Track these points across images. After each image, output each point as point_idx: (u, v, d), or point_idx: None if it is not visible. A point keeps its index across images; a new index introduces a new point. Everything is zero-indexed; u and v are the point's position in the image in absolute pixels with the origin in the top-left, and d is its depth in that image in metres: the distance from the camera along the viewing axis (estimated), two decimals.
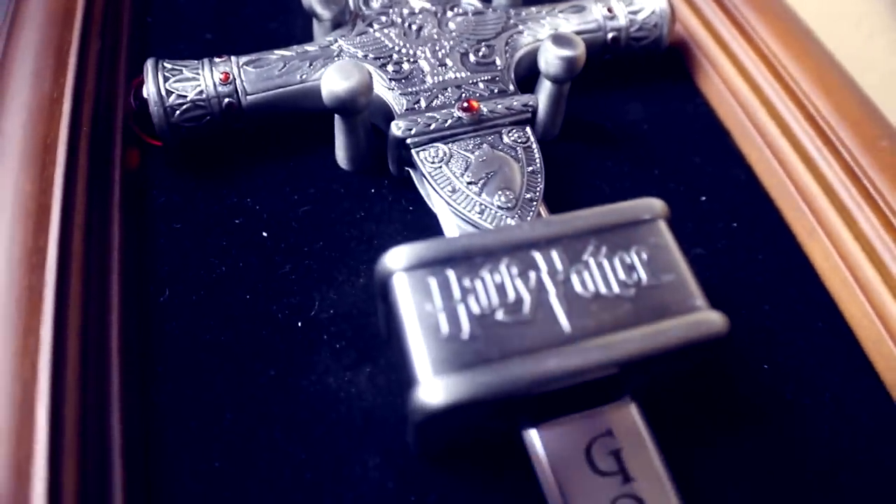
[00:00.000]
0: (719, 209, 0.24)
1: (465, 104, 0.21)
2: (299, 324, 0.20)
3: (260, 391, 0.19)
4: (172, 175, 0.23)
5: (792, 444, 0.20)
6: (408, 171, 0.22)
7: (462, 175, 0.20)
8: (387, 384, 0.19)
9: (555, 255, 0.17)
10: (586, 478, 0.17)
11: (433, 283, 0.17)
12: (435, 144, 0.21)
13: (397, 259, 0.17)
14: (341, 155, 0.23)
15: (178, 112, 0.21)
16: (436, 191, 0.20)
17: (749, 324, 0.22)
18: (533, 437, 0.17)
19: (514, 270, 0.17)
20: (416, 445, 0.18)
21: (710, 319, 0.17)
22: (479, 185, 0.20)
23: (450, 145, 0.21)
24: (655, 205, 0.19)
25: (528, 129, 0.22)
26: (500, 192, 0.20)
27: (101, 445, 0.17)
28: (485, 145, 0.21)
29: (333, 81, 0.20)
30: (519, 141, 0.21)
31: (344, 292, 0.21)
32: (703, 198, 0.24)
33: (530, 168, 0.21)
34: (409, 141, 0.21)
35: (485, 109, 0.21)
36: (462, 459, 0.18)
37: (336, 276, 0.21)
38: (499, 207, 0.20)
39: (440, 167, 0.21)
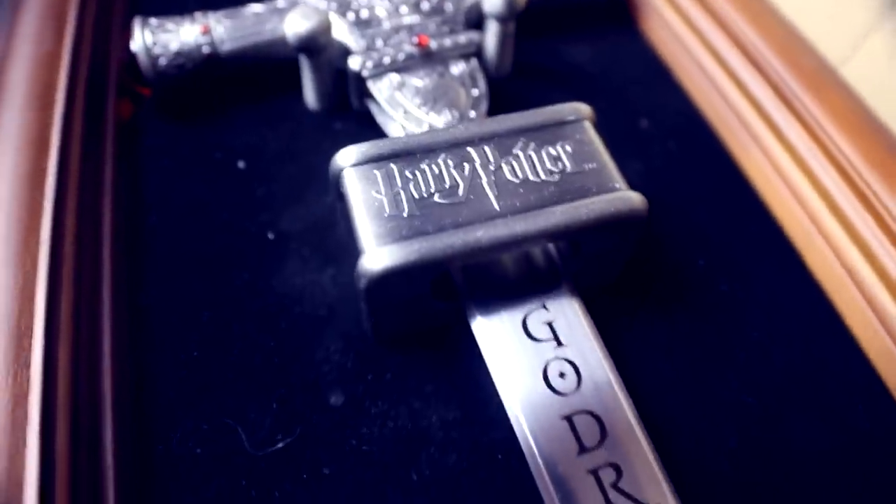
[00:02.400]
0: (659, 132, 0.26)
1: (416, 40, 0.23)
2: (270, 236, 0.22)
3: (234, 292, 0.21)
4: (161, 121, 0.25)
5: (725, 327, 0.22)
6: (368, 105, 0.24)
7: (413, 99, 0.23)
8: (348, 283, 0.21)
9: (487, 149, 0.19)
10: (523, 345, 0.19)
11: (378, 174, 0.19)
12: (388, 74, 0.23)
13: (347, 157, 0.19)
14: (310, 96, 0.25)
15: (162, 61, 0.24)
16: (389, 115, 0.23)
17: (686, 227, 0.24)
18: (478, 320, 0.19)
19: (451, 162, 0.19)
20: (372, 328, 0.20)
21: (628, 197, 0.19)
22: (428, 106, 0.22)
23: (402, 76, 0.23)
24: (581, 108, 0.21)
25: (473, 60, 0.24)
26: (446, 111, 0.22)
27: (92, 338, 0.20)
28: (434, 74, 0.23)
29: (296, 23, 0.23)
30: (466, 71, 0.24)
31: (312, 209, 0.23)
32: (644, 123, 0.26)
33: (475, 92, 0.23)
34: (364, 73, 0.23)
35: (434, 44, 0.24)
36: (416, 344, 0.20)
37: (305, 196, 0.23)
38: (445, 124, 0.22)
39: (393, 94, 0.23)
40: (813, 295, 0.23)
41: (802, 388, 0.21)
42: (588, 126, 0.20)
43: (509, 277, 0.20)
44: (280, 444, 0.18)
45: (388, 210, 0.18)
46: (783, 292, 0.22)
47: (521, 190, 0.19)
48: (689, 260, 0.23)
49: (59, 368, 0.18)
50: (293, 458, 0.18)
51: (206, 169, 0.24)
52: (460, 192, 0.18)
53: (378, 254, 0.17)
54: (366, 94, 0.24)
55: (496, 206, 0.18)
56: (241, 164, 0.24)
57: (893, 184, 0.23)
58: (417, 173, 0.19)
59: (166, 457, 0.18)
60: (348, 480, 0.18)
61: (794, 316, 0.22)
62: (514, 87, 0.26)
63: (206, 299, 0.21)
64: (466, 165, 0.19)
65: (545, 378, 0.18)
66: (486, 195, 0.18)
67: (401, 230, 0.18)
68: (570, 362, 0.18)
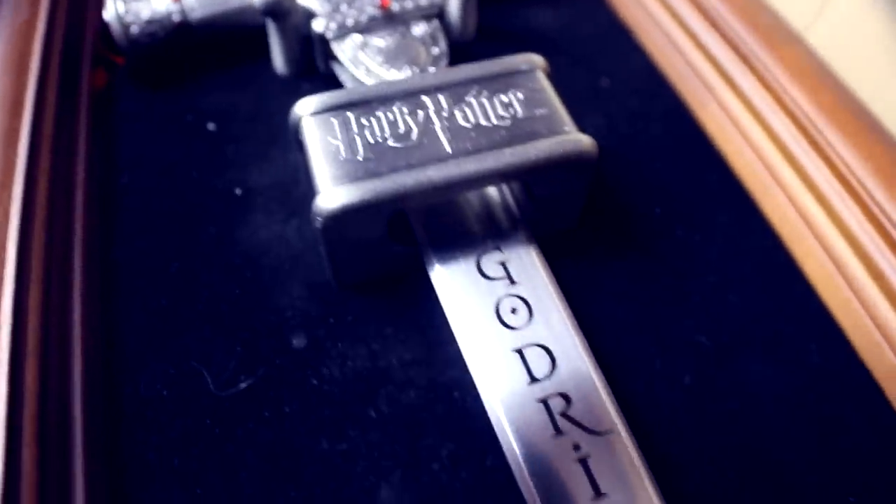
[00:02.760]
0: (620, 90, 0.26)
1: (379, 2, 0.24)
2: (238, 192, 0.23)
3: (201, 245, 0.22)
4: (134, 87, 0.26)
5: (681, 271, 0.22)
6: (333, 67, 0.25)
7: (375, 58, 0.23)
8: (312, 235, 0.22)
9: (441, 98, 0.20)
10: (476, 284, 0.19)
11: (335, 121, 0.19)
12: (351, 35, 0.24)
13: (306, 106, 0.20)
14: (277, 60, 0.26)
15: (135, 29, 0.25)
16: (353, 74, 0.23)
17: (644, 179, 0.24)
18: (435, 264, 0.20)
19: (405, 110, 0.20)
20: (333, 273, 0.20)
21: (577, 139, 0.19)
22: (390, 64, 0.23)
23: (365, 36, 0.24)
24: (534, 58, 0.21)
25: (435, 21, 0.25)
26: (406, 67, 0.23)
27: (63, 288, 0.20)
28: (396, 34, 0.24)
29: None
30: (427, 32, 0.24)
31: (278, 166, 0.23)
32: (605, 82, 0.27)
33: (436, 51, 0.24)
34: (328, 35, 0.24)
35: (396, 6, 0.24)
36: (376, 290, 0.21)
37: (271, 154, 0.24)
38: None
39: (356, 54, 0.24)
40: (769, 241, 0.23)
41: (757, 329, 0.21)
42: (540, 75, 0.21)
43: (466, 224, 0.20)
44: (243, 385, 0.19)
45: (343, 154, 0.19)
46: (740, 239, 0.23)
47: (473, 134, 0.19)
48: (647, 209, 0.23)
49: (28, 315, 0.19)
50: (256, 397, 0.19)
51: (178, 132, 0.24)
52: (413, 136, 0.19)
53: (333, 193, 0.18)
54: (330, 55, 0.24)
55: (448, 149, 0.19)
56: (211, 127, 0.24)
57: (846, 134, 0.23)
58: (373, 120, 0.19)
59: (133, 399, 0.19)
60: (308, 418, 0.19)
61: (750, 261, 0.23)
62: (477, 49, 0.27)
63: (175, 252, 0.22)
64: (420, 112, 0.20)
65: (497, 314, 0.19)
66: (439, 139, 0.19)
67: (356, 172, 0.18)
68: (522, 299, 0.19)
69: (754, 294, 0.22)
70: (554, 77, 0.22)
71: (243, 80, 0.26)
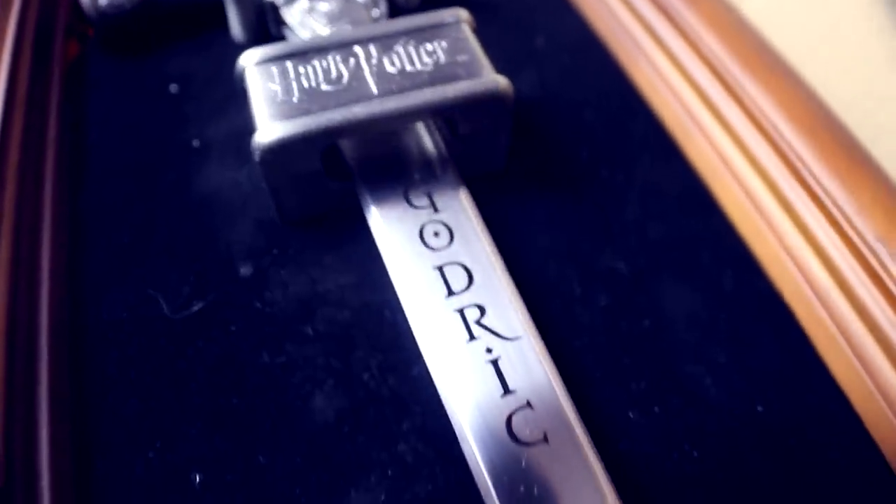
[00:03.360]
0: (553, 49, 0.28)
1: None
2: (196, 143, 0.25)
3: (161, 191, 0.24)
4: (103, 56, 0.28)
5: (603, 207, 0.24)
6: (283, 32, 0.27)
7: (320, 20, 0.25)
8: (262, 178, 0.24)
9: (372, 47, 0.22)
10: (404, 211, 0.21)
11: (275, 70, 0.21)
12: (298, 1, 0.26)
13: (250, 58, 0.22)
14: (235, 28, 0.28)
15: (103, 1, 0.27)
16: (300, 36, 0.25)
17: (573, 127, 0.26)
18: (367, 198, 0.22)
19: (339, 59, 0.22)
20: (276, 208, 0.22)
21: (494, 79, 0.21)
22: (333, 25, 0.25)
23: (311, 2, 0.26)
24: (460, 12, 0.23)
25: None
26: (348, 27, 0.25)
27: (32, 228, 0.22)
28: (342, 0, 0.26)
29: None
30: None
31: (233, 121, 0.25)
32: (540, 41, 0.28)
33: (376, 13, 0.26)
34: (278, 2, 0.26)
35: None
36: (317, 224, 0.23)
37: (228, 111, 0.26)
38: None
39: (304, 18, 0.26)
40: (689, 180, 0.25)
41: (674, 257, 0.23)
42: (465, 27, 0.23)
43: (398, 164, 0.22)
44: (195, 308, 0.21)
45: (280, 97, 0.21)
46: (661, 178, 0.25)
47: (399, 78, 0.21)
48: (573, 153, 0.25)
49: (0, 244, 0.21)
50: (205, 319, 0.21)
51: (143, 94, 0.27)
52: (344, 80, 0.21)
53: (269, 128, 0.20)
54: (281, 21, 0.26)
55: (375, 90, 0.21)
56: (173, 88, 0.27)
57: (760, 78, 0.25)
58: (308, 68, 0.21)
59: (96, 322, 0.21)
60: (252, 336, 0.21)
61: (670, 198, 0.24)
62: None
63: (137, 198, 0.24)
64: (352, 60, 0.22)
65: (420, 237, 0.20)
66: (367, 82, 0.21)
67: (290, 111, 0.20)
68: (445, 224, 0.21)
69: (673, 226, 0.23)
70: (491, 38, 0.23)
71: (203, 47, 0.28)
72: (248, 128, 0.25)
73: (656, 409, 0.20)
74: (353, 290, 0.21)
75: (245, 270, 0.22)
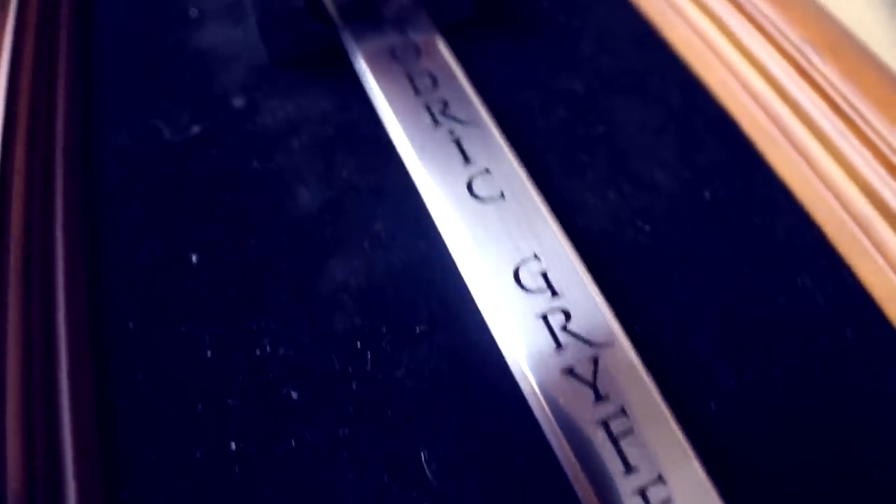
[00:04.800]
0: None
1: None
2: (193, 14, 0.27)
3: (163, 49, 0.26)
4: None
5: (562, 44, 0.26)
6: None
7: None
8: (254, 34, 0.26)
9: None
10: (389, 61, 0.23)
11: None
12: None
13: None
14: None
15: None
16: None
17: None
18: (349, 39, 0.24)
19: None
20: (265, 46, 0.24)
21: None
22: None
23: None
24: None
25: None
26: None
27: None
28: None
29: None
30: None
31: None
32: None
33: None
34: None
35: None
36: (304, 64, 0.25)
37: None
38: None
39: None
40: (641, 25, 0.27)
41: (626, 81, 0.25)
42: None
43: (374, 7, 0.25)
44: (193, 132, 0.23)
45: None
46: (615, 23, 0.27)
47: None
48: (534, 2, 0.27)
49: (19, 98, 0.24)
50: (201, 140, 0.23)
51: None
52: None
53: None
54: None
55: None
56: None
57: None
58: None
59: (105, 148, 0.23)
60: (244, 149, 0.23)
61: (622, 37, 0.26)
62: None
63: (142, 55, 0.26)
64: None
65: (412, 83, 0.23)
66: None
67: None
68: (429, 72, 0.23)
69: (625, 58, 0.26)
70: None
71: None
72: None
73: (610, 194, 0.22)
74: (336, 112, 0.24)
75: (238, 102, 0.24)
